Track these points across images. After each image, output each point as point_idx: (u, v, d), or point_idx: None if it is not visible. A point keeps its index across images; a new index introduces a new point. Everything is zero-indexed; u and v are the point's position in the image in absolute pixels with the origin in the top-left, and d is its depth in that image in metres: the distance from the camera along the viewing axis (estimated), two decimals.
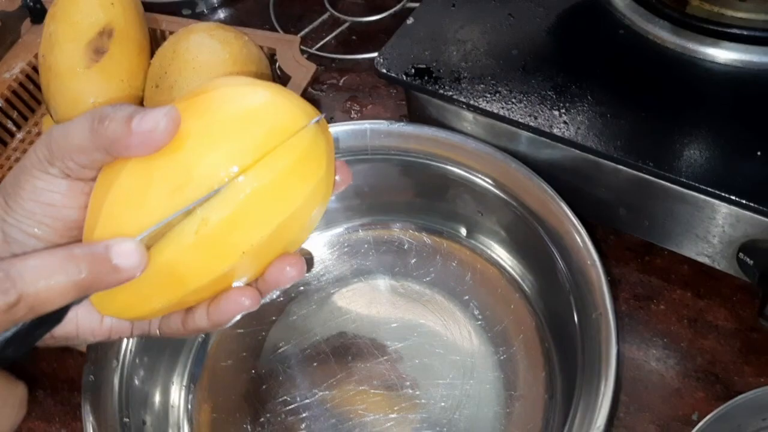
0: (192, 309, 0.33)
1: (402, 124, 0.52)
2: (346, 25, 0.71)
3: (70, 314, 0.31)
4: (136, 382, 0.47)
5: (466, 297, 0.52)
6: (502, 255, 0.53)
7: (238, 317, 0.32)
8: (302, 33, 0.70)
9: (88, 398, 0.43)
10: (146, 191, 0.29)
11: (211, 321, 0.32)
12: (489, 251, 0.54)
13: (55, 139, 0.30)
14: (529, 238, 0.48)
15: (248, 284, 0.33)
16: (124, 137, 0.29)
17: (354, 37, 0.72)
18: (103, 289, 0.29)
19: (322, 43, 0.70)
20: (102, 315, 0.33)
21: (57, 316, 0.29)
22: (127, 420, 0.43)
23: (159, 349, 0.49)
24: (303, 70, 0.60)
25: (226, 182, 0.29)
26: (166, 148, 0.29)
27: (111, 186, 0.30)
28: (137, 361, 0.47)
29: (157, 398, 0.49)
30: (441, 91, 0.48)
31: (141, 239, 0.28)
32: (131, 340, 0.47)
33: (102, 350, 0.45)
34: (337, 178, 0.34)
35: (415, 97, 0.53)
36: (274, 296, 0.54)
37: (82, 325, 0.34)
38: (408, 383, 0.49)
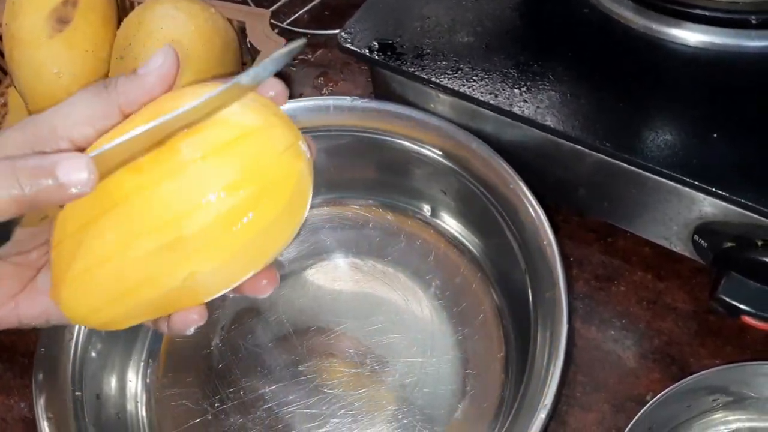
0: (156, 319, 0.34)
1: (365, 100, 0.51)
2: None
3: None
4: (93, 354, 0.47)
5: (428, 276, 0.52)
6: (464, 235, 0.53)
7: (192, 330, 0.33)
8: (274, 7, 0.68)
9: (39, 371, 0.43)
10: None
11: (170, 330, 0.34)
12: (452, 231, 0.54)
13: (41, 122, 0.30)
14: (489, 217, 0.48)
15: None
16: (141, 84, 0.30)
17: (327, 12, 0.71)
18: (49, 205, 0.27)
19: (294, 17, 0.69)
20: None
21: (2, 233, 0.28)
22: (79, 394, 0.43)
23: None
24: (272, 45, 0.59)
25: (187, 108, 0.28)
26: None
27: None
28: (93, 335, 0.47)
29: (115, 372, 0.49)
30: (403, 67, 0.48)
31: (93, 156, 0.27)
32: None
33: None
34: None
35: (379, 73, 0.52)
36: None
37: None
38: (368, 361, 0.49)
